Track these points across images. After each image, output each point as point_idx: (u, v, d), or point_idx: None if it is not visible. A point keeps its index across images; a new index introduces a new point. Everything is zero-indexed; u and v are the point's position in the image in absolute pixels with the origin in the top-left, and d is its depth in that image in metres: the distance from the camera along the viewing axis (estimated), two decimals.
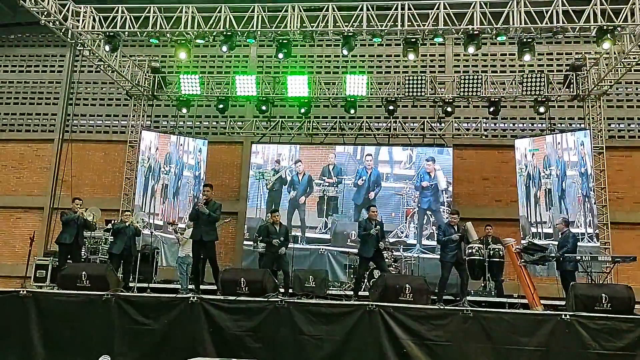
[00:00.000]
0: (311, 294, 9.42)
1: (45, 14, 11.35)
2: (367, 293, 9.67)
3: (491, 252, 11.17)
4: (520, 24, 10.95)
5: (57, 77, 17.05)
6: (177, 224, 12.89)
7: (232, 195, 15.38)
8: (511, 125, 15.52)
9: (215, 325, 7.66)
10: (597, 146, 13.28)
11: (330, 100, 14.53)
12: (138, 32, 12.00)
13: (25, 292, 8.17)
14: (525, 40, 11.31)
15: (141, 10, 11.81)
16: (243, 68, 16.23)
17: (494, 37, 11.51)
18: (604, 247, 12.50)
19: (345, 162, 14.76)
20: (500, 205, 14.62)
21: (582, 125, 13.95)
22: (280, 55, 12.09)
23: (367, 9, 11.37)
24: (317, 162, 14.85)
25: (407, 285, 8.16)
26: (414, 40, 11.55)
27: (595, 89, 13.25)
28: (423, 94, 13.55)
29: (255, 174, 14.96)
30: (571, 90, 13.49)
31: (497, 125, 15.48)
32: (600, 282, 9.81)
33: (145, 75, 14.80)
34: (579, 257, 9.66)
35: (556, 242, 10.73)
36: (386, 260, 10.79)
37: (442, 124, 14.70)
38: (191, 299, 7.85)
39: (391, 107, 13.86)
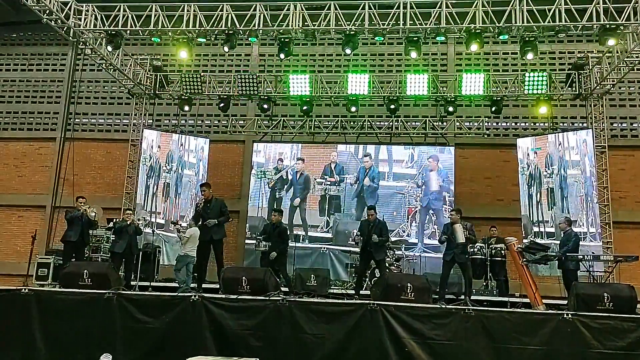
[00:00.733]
0: (313, 292, 9.42)
1: (47, 12, 11.35)
2: (368, 292, 9.70)
3: (493, 251, 11.17)
4: (523, 22, 10.92)
5: (59, 76, 17.07)
6: (179, 223, 12.90)
7: (234, 194, 15.37)
8: (513, 124, 15.51)
9: (216, 323, 7.65)
10: (600, 145, 13.26)
11: (332, 99, 14.53)
12: (140, 31, 11.99)
13: (27, 290, 8.19)
14: (527, 38, 11.28)
15: (143, 9, 11.81)
16: (245, 67, 16.23)
17: (496, 35, 11.50)
18: (606, 246, 12.48)
19: (347, 161, 14.76)
20: (502, 204, 14.59)
21: (585, 124, 13.92)
22: (282, 55, 12.07)
23: (369, 8, 11.35)
24: (319, 161, 14.85)
25: (409, 284, 8.15)
26: (416, 38, 11.53)
27: (598, 87, 13.22)
28: (425, 92, 13.54)
29: (257, 172, 14.97)
30: (573, 89, 13.46)
31: (499, 124, 15.46)
32: (603, 281, 9.81)
33: (147, 73, 14.80)
34: (581, 257, 9.65)
35: (558, 242, 10.72)
36: (387, 259, 10.83)
37: (444, 123, 14.67)
38: (192, 297, 7.85)
39: (393, 106, 13.85)
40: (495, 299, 10.53)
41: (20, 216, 16.24)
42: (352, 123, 15.14)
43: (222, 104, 14.38)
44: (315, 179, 14.68)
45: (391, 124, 14.99)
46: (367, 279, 11.15)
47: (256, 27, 11.62)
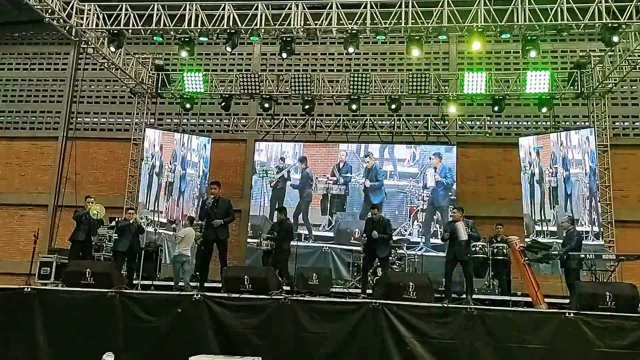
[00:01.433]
0: (315, 291, 9.43)
1: (49, 11, 11.37)
2: (370, 291, 9.71)
3: (495, 250, 11.16)
4: (525, 21, 10.90)
5: (61, 75, 17.11)
6: (178, 222, 13.00)
7: (236, 193, 15.37)
8: (515, 123, 15.49)
9: (218, 322, 7.67)
10: (602, 144, 13.26)
11: (334, 97, 14.52)
12: (142, 30, 12.00)
13: (29, 289, 8.22)
14: (529, 37, 11.26)
15: (145, 8, 11.83)
16: (247, 66, 16.24)
17: (498, 34, 11.49)
18: (609, 245, 12.47)
19: (349, 160, 14.76)
20: (504, 203, 14.57)
21: (587, 123, 13.89)
22: (284, 54, 12.07)
23: (371, 7, 11.34)
24: (321, 160, 14.85)
25: (411, 283, 8.14)
26: (418, 37, 11.52)
27: (600, 86, 13.20)
28: (427, 91, 13.55)
29: (259, 171, 14.97)
30: (576, 87, 13.44)
31: (501, 123, 15.44)
32: (605, 280, 9.79)
33: (149, 73, 14.81)
34: (583, 255, 9.63)
35: (561, 241, 10.71)
36: (390, 257, 10.85)
37: (446, 122, 14.66)
38: (195, 296, 7.86)
39: (395, 105, 13.85)
40: (497, 298, 10.53)
41: (23, 215, 16.28)
42: (354, 122, 15.14)
43: (224, 103, 14.40)
44: (317, 178, 14.68)
45: (393, 122, 14.99)
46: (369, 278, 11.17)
47: (258, 26, 11.62)
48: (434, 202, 14.11)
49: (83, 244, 10.29)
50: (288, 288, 9.51)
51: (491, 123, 15.15)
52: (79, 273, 8.56)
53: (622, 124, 15.07)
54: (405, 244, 12.57)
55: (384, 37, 11.99)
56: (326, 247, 14.09)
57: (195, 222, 11.76)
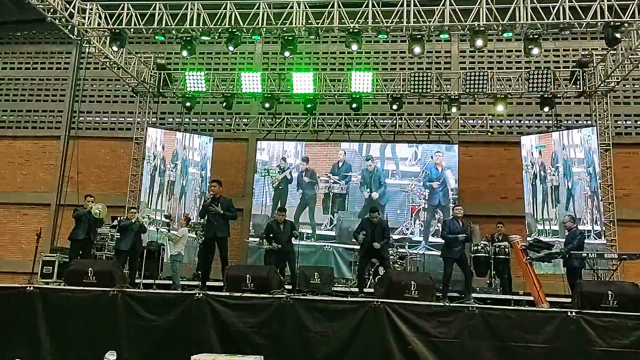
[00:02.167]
0: (316, 290, 9.44)
1: (51, 11, 11.39)
2: (372, 290, 9.71)
3: (496, 249, 11.16)
4: (527, 20, 10.88)
5: (63, 74, 17.13)
6: (173, 220, 13.07)
7: (238, 192, 15.39)
8: (517, 122, 15.47)
9: (220, 321, 7.68)
10: (604, 143, 13.23)
11: (336, 97, 14.53)
12: (143, 29, 12.01)
13: (32, 288, 8.23)
14: (531, 36, 11.24)
15: (147, 7, 11.83)
16: (248, 65, 16.24)
17: (500, 33, 11.47)
18: (611, 244, 12.45)
19: (351, 159, 14.75)
20: (506, 202, 14.57)
21: (589, 122, 13.88)
22: (286, 53, 12.07)
23: (373, 5, 11.33)
24: (323, 159, 14.84)
25: (413, 282, 8.14)
26: (419, 36, 11.52)
27: (602, 85, 13.17)
28: (429, 90, 13.54)
29: (261, 170, 14.98)
30: (578, 86, 13.42)
31: (503, 121, 15.43)
32: (607, 279, 9.78)
33: (151, 72, 14.83)
34: (585, 255, 9.62)
35: (562, 240, 10.70)
36: (391, 257, 10.85)
37: (448, 121, 14.65)
38: (197, 295, 7.87)
39: (396, 104, 13.84)
40: (499, 296, 10.54)
41: (25, 214, 16.30)
42: (355, 121, 15.13)
43: (225, 102, 14.40)
44: (319, 177, 14.68)
45: (395, 122, 14.99)
46: (371, 277, 11.17)
47: (260, 25, 11.62)
48: (438, 202, 14.08)
49: (82, 242, 10.27)
50: (290, 287, 9.52)
51: (493, 122, 15.14)
52: (81, 272, 8.56)
53: (624, 122, 15.05)
54: (407, 243, 12.58)
55: (386, 36, 11.97)
56: (328, 246, 14.10)
57: (191, 221, 11.87)
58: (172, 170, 14.44)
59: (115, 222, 11.56)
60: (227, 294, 8.08)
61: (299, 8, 11.49)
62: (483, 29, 11.07)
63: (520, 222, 13.46)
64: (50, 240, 14.90)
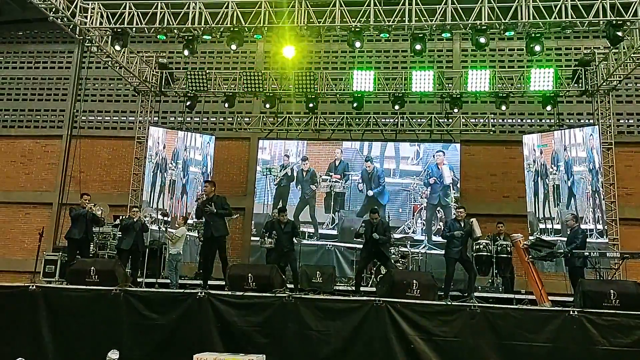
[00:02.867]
0: (318, 289, 9.44)
1: (53, 10, 11.39)
2: (374, 289, 9.71)
3: (498, 248, 11.15)
4: (529, 18, 10.86)
5: (65, 74, 17.15)
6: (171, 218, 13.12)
7: (239, 191, 15.41)
8: (519, 120, 15.46)
9: (222, 320, 7.69)
10: (606, 142, 13.21)
11: (337, 95, 14.52)
12: (145, 28, 12.01)
13: (34, 287, 8.24)
14: (533, 35, 11.22)
15: (148, 7, 11.83)
16: (250, 64, 16.24)
17: (502, 32, 11.46)
18: (613, 243, 12.43)
19: (352, 158, 14.75)
20: (508, 201, 14.56)
21: (591, 121, 13.87)
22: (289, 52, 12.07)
23: (374, 4, 11.31)
24: (324, 158, 14.85)
25: (415, 281, 8.14)
26: (421, 35, 11.50)
27: (604, 84, 13.14)
28: (430, 89, 13.52)
29: (263, 169, 14.99)
30: (580, 85, 13.41)
31: (505, 120, 15.42)
32: (609, 278, 9.77)
33: (153, 71, 14.84)
34: (588, 253, 9.61)
35: (564, 238, 10.69)
36: (392, 256, 10.86)
37: (450, 120, 14.64)
38: (199, 294, 7.88)
39: (398, 103, 13.82)
40: (501, 295, 10.53)
41: (27, 213, 16.33)
42: (357, 120, 15.13)
43: (227, 100, 14.41)
44: (320, 176, 14.68)
45: (396, 120, 14.97)
46: (372, 276, 11.17)
47: (261, 24, 11.61)
48: (438, 200, 14.07)
49: (79, 242, 10.21)
50: (292, 286, 9.53)
51: (495, 121, 15.13)
52: (83, 271, 8.59)
53: (626, 121, 15.02)
54: (408, 242, 12.58)
55: (388, 35, 11.96)
56: (330, 245, 14.10)
57: (187, 221, 11.92)
58: (173, 170, 14.45)
59: (117, 222, 11.56)
60: (229, 293, 8.08)
61: (301, 7, 11.47)
62: (485, 27, 11.05)
63: (522, 220, 13.45)
64: (52, 239, 14.92)
